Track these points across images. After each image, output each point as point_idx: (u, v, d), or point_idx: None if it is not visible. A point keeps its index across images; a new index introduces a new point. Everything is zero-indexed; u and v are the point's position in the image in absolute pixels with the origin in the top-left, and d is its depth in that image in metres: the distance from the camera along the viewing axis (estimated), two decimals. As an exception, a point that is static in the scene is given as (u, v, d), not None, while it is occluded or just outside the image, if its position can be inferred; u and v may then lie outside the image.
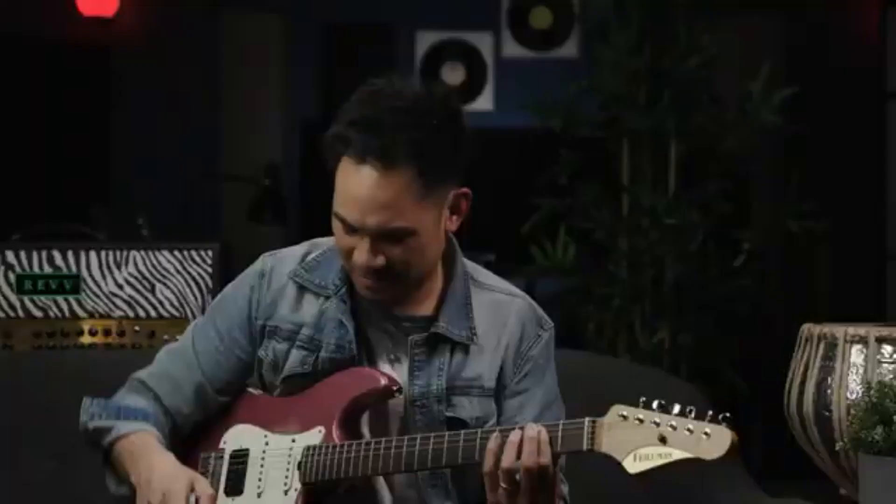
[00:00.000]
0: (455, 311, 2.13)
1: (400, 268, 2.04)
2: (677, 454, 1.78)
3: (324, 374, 2.13)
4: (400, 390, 2.10)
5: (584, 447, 1.86)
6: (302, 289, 2.17)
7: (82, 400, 2.23)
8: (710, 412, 1.79)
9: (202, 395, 2.20)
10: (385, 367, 2.14)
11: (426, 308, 2.14)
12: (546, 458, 1.89)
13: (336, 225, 2.05)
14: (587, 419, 1.87)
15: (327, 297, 2.14)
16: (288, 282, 2.18)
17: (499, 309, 2.17)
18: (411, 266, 2.05)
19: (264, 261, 2.22)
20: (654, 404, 1.82)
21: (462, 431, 2.00)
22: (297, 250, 2.21)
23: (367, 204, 1.99)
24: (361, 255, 2.02)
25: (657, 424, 1.80)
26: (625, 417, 1.82)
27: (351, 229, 2.02)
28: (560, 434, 1.89)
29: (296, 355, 2.15)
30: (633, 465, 1.80)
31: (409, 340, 2.11)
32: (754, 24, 6.50)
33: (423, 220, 2.02)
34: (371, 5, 7.13)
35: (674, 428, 1.78)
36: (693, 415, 1.80)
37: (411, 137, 1.98)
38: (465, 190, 2.10)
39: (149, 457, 2.10)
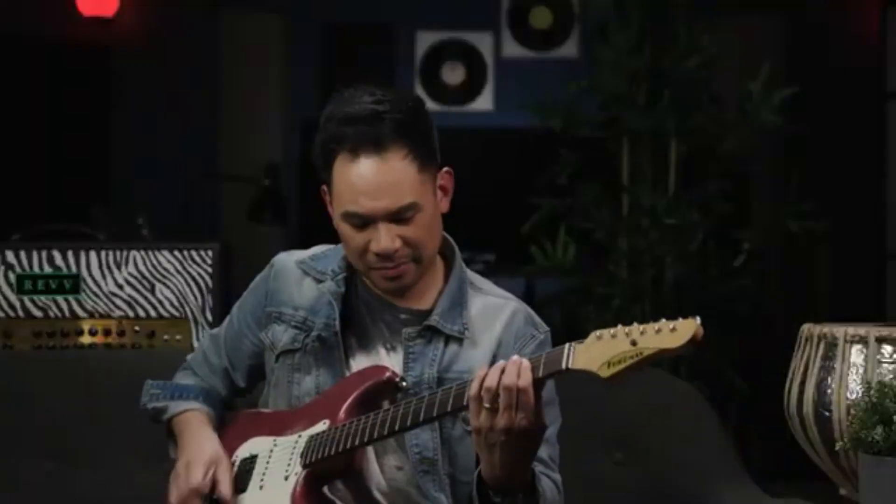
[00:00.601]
0: (449, 307, 2.20)
1: (414, 247, 2.13)
2: (646, 351, 1.83)
3: (312, 352, 2.22)
4: (404, 380, 2.15)
5: (563, 367, 1.90)
6: (305, 275, 2.29)
7: (145, 382, 2.40)
8: (681, 318, 1.84)
9: (230, 379, 2.38)
10: (381, 354, 2.22)
11: (424, 303, 2.22)
12: (525, 381, 1.93)
13: (345, 228, 2.15)
14: (567, 343, 1.93)
15: (324, 281, 2.25)
16: (294, 270, 2.30)
17: (494, 310, 2.24)
18: (423, 243, 2.14)
19: (278, 255, 2.35)
20: (634, 324, 1.88)
21: (454, 384, 2.04)
22: (310, 249, 2.34)
23: (374, 190, 2.10)
24: (379, 242, 2.12)
25: (629, 334, 1.86)
26: (600, 337, 1.88)
27: (362, 223, 2.12)
28: (543, 360, 1.94)
29: (289, 334, 2.26)
30: (606, 371, 1.86)
31: (404, 333, 2.19)
32: (754, 24, 6.50)
33: (424, 194, 2.13)
34: (371, 5, 7.13)
35: (644, 332, 1.85)
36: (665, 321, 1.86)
37: (395, 119, 2.10)
38: (447, 168, 2.20)
39: (188, 435, 2.28)
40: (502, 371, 1.95)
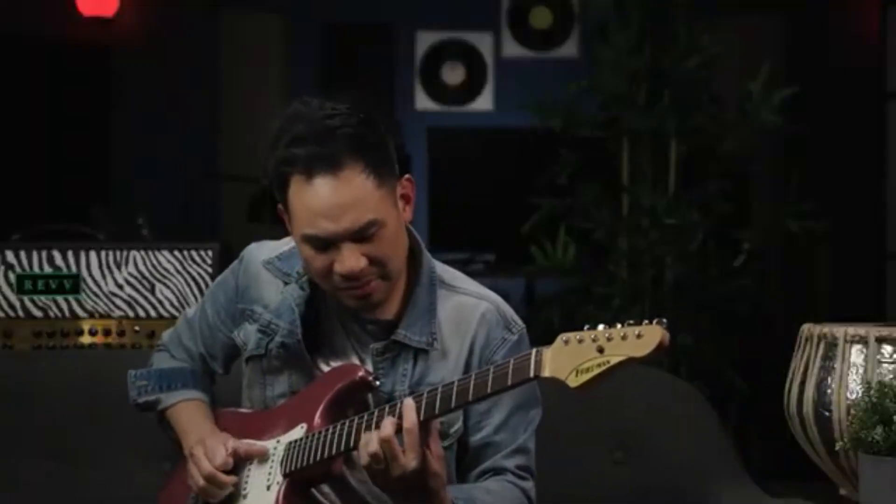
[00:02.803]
0: (416, 317, 2.15)
1: (380, 264, 2.07)
2: (614, 359, 1.82)
3: (277, 358, 2.20)
4: (377, 379, 2.13)
5: (531, 375, 1.89)
6: (271, 276, 2.24)
7: (127, 373, 2.38)
8: (647, 321, 1.83)
9: (207, 365, 2.36)
10: (354, 360, 2.18)
11: (389, 312, 2.16)
12: (409, 423, 1.94)
13: (306, 250, 2.08)
14: (534, 349, 1.90)
15: (288, 284, 2.21)
16: (261, 268, 2.25)
17: (464, 312, 2.18)
18: (389, 259, 2.08)
19: (248, 248, 2.31)
20: (599, 326, 1.86)
21: (426, 389, 2.02)
22: (281, 243, 2.28)
23: (332, 212, 2.02)
24: (343, 263, 2.04)
25: (595, 339, 1.84)
26: (567, 342, 1.87)
27: (323, 246, 2.05)
28: (511, 368, 1.91)
29: (255, 337, 2.23)
30: (574, 380, 1.84)
31: (371, 348, 2.15)
32: (754, 24, 6.51)
33: (385, 208, 2.06)
34: (371, 5, 7.14)
35: (610, 338, 1.83)
36: (631, 324, 1.85)
37: (347, 134, 2.03)
38: (407, 175, 2.13)
39: (189, 424, 2.27)
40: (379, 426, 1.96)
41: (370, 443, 1.95)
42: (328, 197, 2.02)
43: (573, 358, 1.85)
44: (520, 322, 2.21)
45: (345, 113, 2.05)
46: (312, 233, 2.04)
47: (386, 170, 2.06)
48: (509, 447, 2.16)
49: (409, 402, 1.94)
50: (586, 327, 1.87)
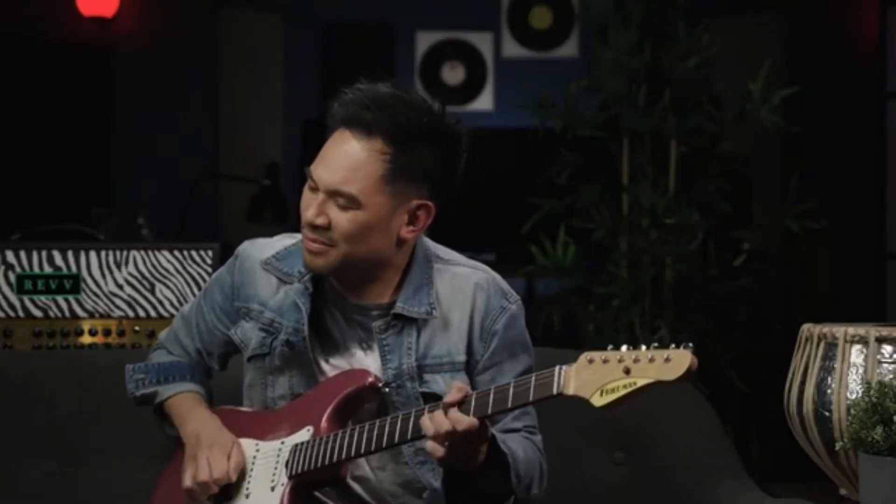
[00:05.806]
0: (413, 290, 2.19)
1: (336, 235, 2.11)
2: (641, 381, 1.84)
3: (281, 357, 2.21)
4: (387, 386, 2.16)
5: (555, 392, 1.91)
6: (271, 276, 2.26)
7: (125, 368, 2.40)
8: (673, 345, 1.84)
9: (204, 361, 2.37)
10: (358, 356, 2.21)
11: (388, 295, 2.21)
12: (471, 423, 1.97)
13: (305, 189, 2.15)
14: (557, 367, 1.92)
15: (291, 283, 2.23)
16: (256, 266, 2.27)
17: (461, 282, 2.22)
18: (345, 239, 2.12)
19: (243, 246, 2.33)
20: (623, 347, 1.88)
21: (429, 404, 2.05)
22: (275, 240, 2.32)
23: (332, 162, 2.11)
24: (310, 210, 2.12)
25: (622, 360, 1.86)
26: (592, 361, 1.88)
27: (314, 188, 2.13)
28: (532, 384, 1.94)
29: (258, 336, 2.24)
30: (599, 400, 1.86)
31: (374, 327, 2.18)
32: (754, 24, 6.51)
33: (376, 202, 2.11)
34: (371, 5, 7.14)
35: (637, 360, 1.85)
36: (656, 347, 1.86)
37: (398, 122, 2.08)
38: (428, 202, 2.16)
39: (190, 420, 2.27)
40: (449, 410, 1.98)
41: (439, 422, 1.98)
42: (339, 148, 2.11)
43: (598, 377, 1.86)
44: (515, 294, 2.26)
45: (412, 106, 2.11)
46: (310, 169, 2.13)
47: (408, 177, 2.11)
48: (517, 410, 2.18)
49: (452, 413, 1.97)
50: (609, 347, 1.88)
